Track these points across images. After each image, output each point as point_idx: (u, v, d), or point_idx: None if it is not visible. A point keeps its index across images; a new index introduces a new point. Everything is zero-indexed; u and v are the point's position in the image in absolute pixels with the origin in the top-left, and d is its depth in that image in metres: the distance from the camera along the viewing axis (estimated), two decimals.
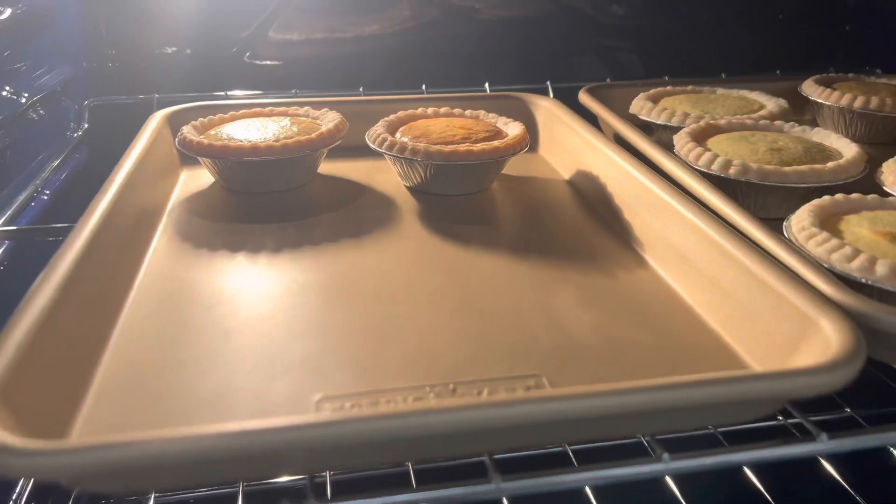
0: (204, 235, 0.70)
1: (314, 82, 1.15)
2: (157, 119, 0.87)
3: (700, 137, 0.80)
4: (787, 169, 0.70)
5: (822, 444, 0.45)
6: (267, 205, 0.77)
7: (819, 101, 0.98)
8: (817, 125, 1.01)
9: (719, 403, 0.43)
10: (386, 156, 0.78)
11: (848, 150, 0.75)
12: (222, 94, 1.09)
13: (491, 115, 0.87)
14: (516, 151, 0.79)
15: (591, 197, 0.79)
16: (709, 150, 0.76)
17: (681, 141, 0.77)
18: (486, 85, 1.15)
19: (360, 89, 1.12)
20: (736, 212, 0.63)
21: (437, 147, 0.76)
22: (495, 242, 0.69)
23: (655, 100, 0.96)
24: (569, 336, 0.55)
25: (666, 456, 0.43)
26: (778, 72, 1.22)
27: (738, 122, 0.84)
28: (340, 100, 0.97)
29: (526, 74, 1.21)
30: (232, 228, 0.72)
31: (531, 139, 0.96)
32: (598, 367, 0.52)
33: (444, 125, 0.82)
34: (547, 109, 0.96)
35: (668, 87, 1.00)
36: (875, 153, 0.79)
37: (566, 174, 0.86)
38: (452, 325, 0.56)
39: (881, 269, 0.52)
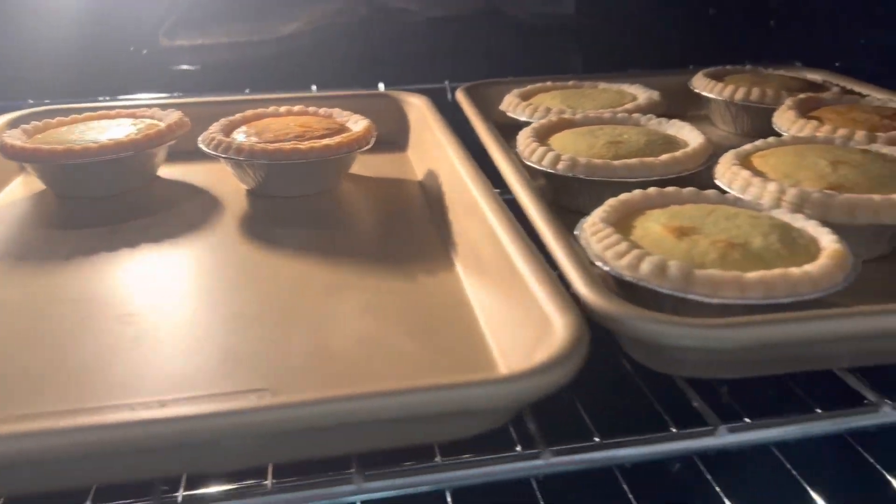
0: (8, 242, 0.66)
1: (215, 84, 1.12)
2: None
3: (547, 133, 0.76)
4: (616, 163, 0.66)
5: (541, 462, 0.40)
6: (91, 210, 0.74)
7: (703, 94, 0.94)
8: (710, 120, 0.97)
9: (415, 417, 0.38)
10: (218, 157, 0.75)
11: (693, 142, 0.71)
12: (104, 98, 1.06)
13: (345, 113, 0.83)
14: (353, 149, 0.75)
15: (432, 199, 0.75)
16: (549, 146, 0.71)
17: (522, 137, 0.73)
18: (381, 85, 1.11)
19: (247, 90, 1.09)
20: (538, 210, 0.58)
21: (262, 146, 0.72)
22: (312, 247, 0.65)
23: (529, 96, 0.92)
24: (326, 346, 0.50)
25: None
26: (691, 66, 1.17)
27: (596, 116, 0.79)
28: (209, 100, 0.94)
29: (427, 74, 1.17)
30: (45, 235, 0.68)
31: (402, 139, 0.93)
32: (343, 378, 0.48)
33: (283, 124, 0.79)
34: (418, 108, 0.92)
35: (548, 83, 0.96)
36: None
37: (421, 175, 0.82)
38: (199, 336, 0.52)
39: (646, 266, 0.47)
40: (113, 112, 0.85)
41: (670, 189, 0.59)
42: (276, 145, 0.72)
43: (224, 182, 0.79)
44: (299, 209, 0.74)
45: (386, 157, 0.88)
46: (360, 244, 0.66)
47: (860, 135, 0.70)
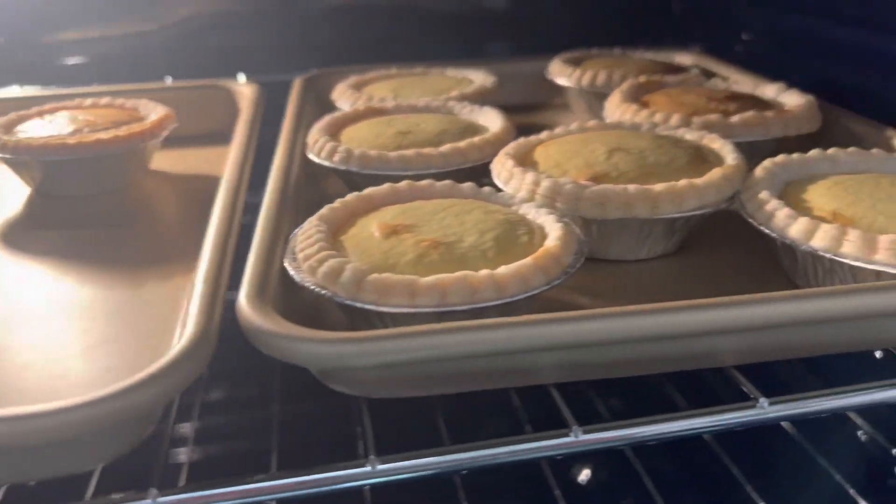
0: None
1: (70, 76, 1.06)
2: None
3: (347, 124, 0.70)
4: (391, 154, 0.60)
5: None
6: None
7: (555, 80, 0.87)
8: (570, 108, 0.91)
9: None
10: None
11: (492, 130, 0.65)
12: None
13: (151, 104, 0.77)
14: (134, 143, 0.69)
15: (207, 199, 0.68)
16: (338, 138, 0.66)
17: (313, 130, 0.67)
18: (241, 76, 1.05)
19: (94, 84, 1.03)
20: (268, 208, 0.53)
21: (27, 141, 0.66)
22: (79, 256, 0.59)
23: (363, 85, 0.85)
24: None
25: None
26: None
27: (410, 105, 0.73)
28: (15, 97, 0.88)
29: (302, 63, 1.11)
30: None
31: (231, 132, 0.87)
32: None
33: (70, 116, 0.73)
34: (248, 99, 0.86)
35: (393, 70, 0.90)
36: None
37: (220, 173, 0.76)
38: None
39: (323, 270, 0.41)
40: None
41: (424, 183, 0.53)
42: (43, 140, 0.66)
43: (13, 182, 0.73)
44: (77, 211, 0.68)
45: (208, 151, 0.82)
46: (124, 252, 0.60)
47: (675, 118, 0.64)
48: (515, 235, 0.45)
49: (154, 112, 0.76)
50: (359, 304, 0.39)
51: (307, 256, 0.43)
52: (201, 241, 0.57)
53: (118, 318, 0.49)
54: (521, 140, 0.60)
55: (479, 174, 0.61)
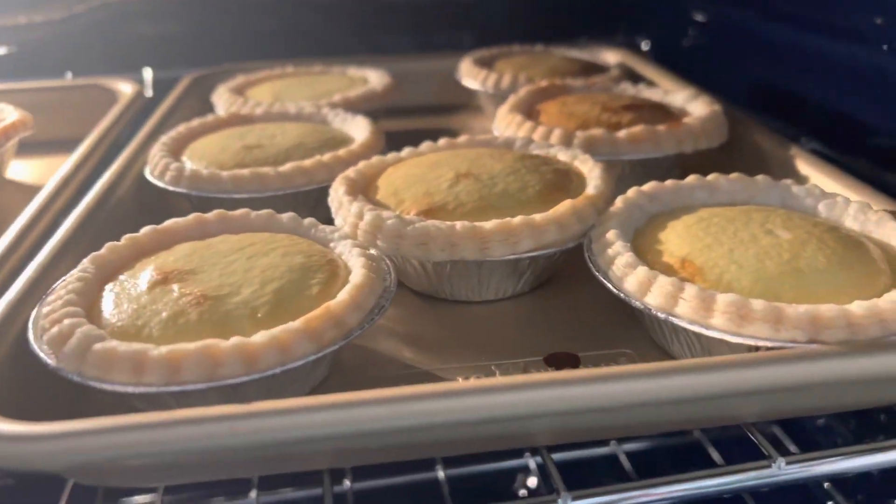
0: None
1: None
2: None
3: (201, 135, 0.63)
4: (224, 174, 0.53)
5: None
6: None
7: (463, 83, 0.80)
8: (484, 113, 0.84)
9: None
10: None
11: (353, 145, 0.58)
12: None
13: (9, 108, 0.70)
14: None
15: None
16: (179, 154, 0.59)
17: (160, 141, 0.60)
18: (146, 72, 0.98)
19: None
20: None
21: None
22: None
23: (248, 87, 0.78)
24: None
25: None
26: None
27: (279, 112, 0.66)
28: None
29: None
30: None
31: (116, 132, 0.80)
32: None
33: None
34: (124, 99, 0.79)
35: (289, 69, 0.83)
36: None
37: None
38: None
39: (50, 333, 0.35)
40: None
41: (238, 213, 0.46)
42: None
43: None
44: None
45: None
46: None
47: (556, 134, 0.57)
48: (305, 286, 0.38)
49: (8, 117, 0.69)
50: (76, 379, 0.33)
51: (50, 312, 0.36)
52: None
53: None
54: (375, 159, 0.53)
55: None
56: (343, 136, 0.61)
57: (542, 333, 0.44)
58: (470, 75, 0.80)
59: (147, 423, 0.29)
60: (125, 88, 0.81)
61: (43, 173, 0.71)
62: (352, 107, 0.69)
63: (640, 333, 0.43)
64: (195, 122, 0.64)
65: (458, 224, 0.42)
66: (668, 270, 0.39)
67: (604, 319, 0.45)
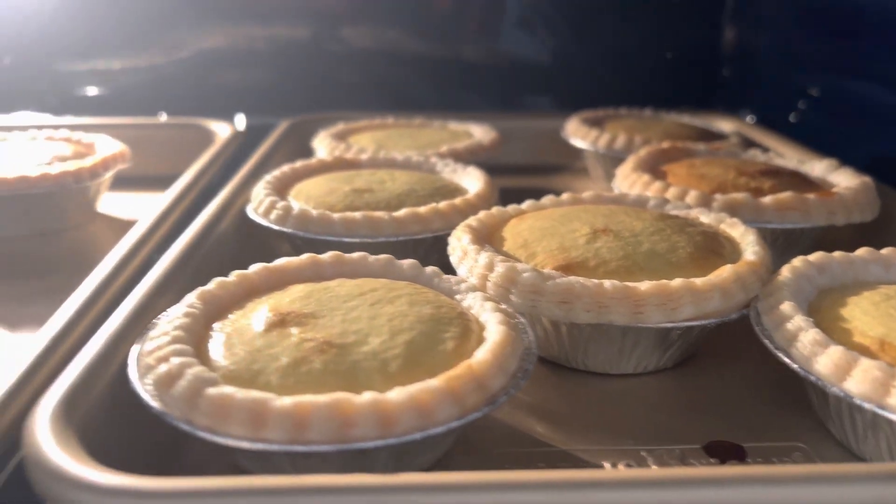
0: None
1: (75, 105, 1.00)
2: None
3: (304, 176, 0.60)
4: (335, 216, 0.49)
5: None
6: None
7: (570, 141, 0.76)
8: (588, 172, 0.80)
9: None
10: None
11: (468, 193, 0.54)
12: None
13: (110, 141, 0.69)
14: (65, 183, 0.60)
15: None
16: (285, 194, 0.56)
17: (261, 182, 0.57)
18: (241, 116, 0.98)
19: (87, 116, 0.97)
20: (157, 273, 0.42)
21: None
22: None
23: (348, 134, 0.76)
24: None
25: None
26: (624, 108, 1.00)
27: (386, 160, 0.63)
28: None
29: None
30: None
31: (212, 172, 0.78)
32: None
33: (10, 151, 0.65)
34: (219, 140, 0.77)
35: (390, 121, 0.80)
36: None
37: None
38: None
39: (157, 373, 0.30)
40: None
41: (355, 256, 0.42)
42: None
43: None
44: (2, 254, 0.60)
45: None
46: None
47: (692, 195, 0.52)
48: (439, 340, 0.33)
49: (106, 150, 0.67)
50: (184, 427, 0.28)
51: (157, 348, 0.32)
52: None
53: None
54: (496, 210, 0.49)
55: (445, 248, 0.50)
56: (454, 186, 0.57)
57: (694, 416, 0.38)
58: (578, 135, 0.76)
59: (287, 487, 0.24)
60: (221, 130, 0.80)
61: (134, 208, 0.69)
62: (458, 159, 0.65)
63: (811, 423, 0.37)
64: (299, 164, 0.61)
65: (608, 283, 0.37)
66: (863, 353, 0.33)
67: (765, 403, 0.39)
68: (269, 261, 0.41)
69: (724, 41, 1.08)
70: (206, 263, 0.46)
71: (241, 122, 0.98)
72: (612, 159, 0.72)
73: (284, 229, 0.50)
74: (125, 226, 0.66)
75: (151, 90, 1.02)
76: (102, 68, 1.03)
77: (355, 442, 0.28)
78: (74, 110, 0.98)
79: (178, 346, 0.32)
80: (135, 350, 0.33)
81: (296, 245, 0.52)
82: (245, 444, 0.27)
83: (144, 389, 0.30)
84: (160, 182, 0.72)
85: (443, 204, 0.51)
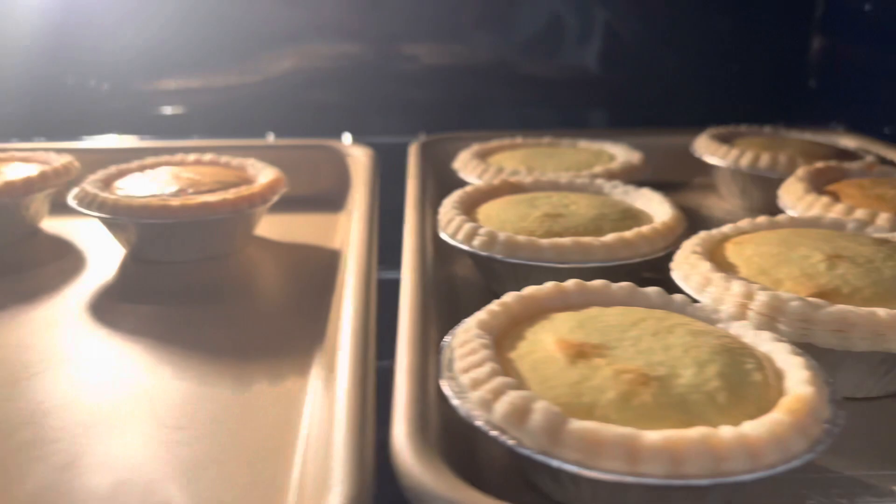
0: None
1: (171, 128, 1.01)
2: None
3: (482, 200, 0.61)
4: (544, 242, 0.50)
5: None
6: None
7: (704, 158, 0.77)
8: (717, 190, 0.81)
9: None
10: (82, 212, 0.62)
11: (661, 217, 0.55)
12: (40, 138, 0.96)
13: (259, 164, 0.70)
14: (241, 208, 0.61)
15: (331, 276, 0.60)
16: (474, 217, 0.57)
17: (447, 204, 0.58)
18: (347, 135, 0.99)
19: (195, 136, 0.98)
20: (412, 299, 0.43)
21: (128, 201, 0.59)
22: (169, 333, 0.51)
23: (488, 154, 0.77)
24: (79, 481, 0.36)
25: None
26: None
27: (550, 181, 0.64)
28: (111, 148, 0.83)
29: (403, 124, 1.04)
30: None
31: (342, 198, 0.79)
32: None
33: (173, 174, 0.66)
34: (360, 163, 0.79)
35: (518, 140, 0.81)
36: None
37: (338, 244, 0.68)
38: None
39: (501, 407, 0.31)
40: (6, 155, 0.74)
41: (597, 283, 0.43)
42: (144, 201, 0.59)
43: (107, 241, 0.66)
44: (176, 278, 0.61)
45: (315, 217, 0.75)
46: (229, 334, 0.52)
47: (884, 218, 0.53)
48: (744, 371, 0.34)
49: (262, 174, 0.69)
50: (554, 464, 0.29)
51: (476, 382, 0.33)
52: (317, 326, 0.49)
53: (222, 426, 0.40)
54: (703, 234, 0.50)
55: (639, 271, 0.51)
56: (636, 209, 0.58)
57: None
58: (711, 152, 0.77)
59: None
60: (354, 152, 0.81)
61: (283, 229, 0.70)
62: (613, 179, 0.66)
63: None
64: (470, 188, 0.62)
65: (882, 311, 0.38)
66: None
67: None
68: (461, 284, 0.42)
69: (812, 51, 1.09)
70: (438, 292, 0.47)
71: (347, 140, 1.00)
72: (751, 178, 0.73)
73: (493, 255, 0.51)
74: (284, 249, 0.67)
75: (252, 110, 1.03)
76: (194, 87, 1.05)
77: (727, 476, 0.28)
78: (166, 132, 1.00)
79: (504, 379, 0.33)
80: (447, 384, 0.34)
81: (489, 269, 0.53)
82: (629, 479, 0.28)
83: (489, 426, 0.31)
84: (299, 204, 0.73)
85: (645, 228, 0.51)
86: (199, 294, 0.58)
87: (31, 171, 0.68)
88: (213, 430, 0.40)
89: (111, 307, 0.55)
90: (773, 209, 0.62)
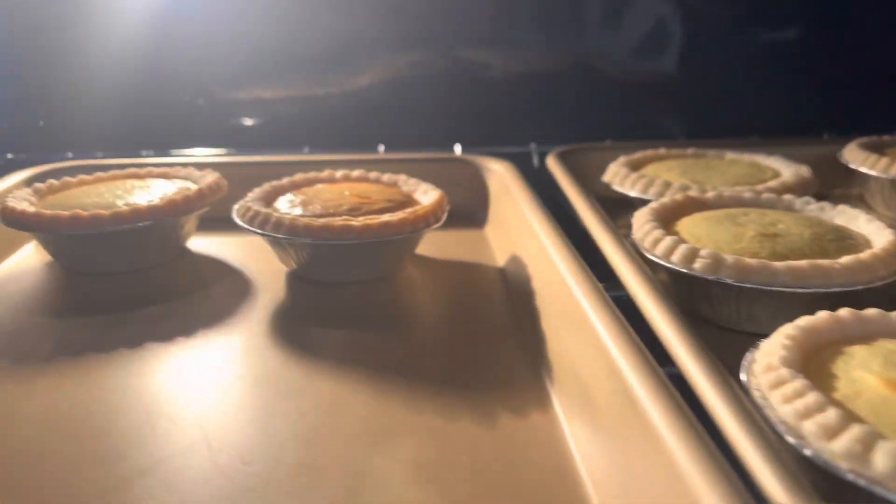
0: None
1: (276, 140, 0.99)
2: (11, 181, 0.72)
3: (672, 216, 0.58)
4: (778, 265, 0.48)
5: None
6: (100, 290, 0.60)
7: (862, 169, 0.75)
8: (865, 202, 0.78)
9: None
10: (252, 232, 0.60)
11: (880, 238, 0.52)
12: (149, 152, 0.95)
13: (412, 180, 0.68)
14: (419, 228, 0.59)
15: (517, 295, 0.58)
16: (676, 233, 0.54)
17: (640, 220, 0.56)
18: (457, 147, 0.97)
19: (306, 149, 0.96)
20: (677, 328, 0.41)
21: (307, 221, 0.57)
22: (357, 356, 0.49)
23: (638, 166, 0.75)
24: None
25: None
26: (825, 135, 0.98)
27: (733, 197, 0.61)
28: (252, 160, 0.81)
29: (509, 135, 1.02)
30: (32, 322, 0.55)
31: (481, 212, 0.77)
32: None
33: (335, 193, 0.64)
34: (500, 176, 0.76)
35: (661, 151, 0.79)
36: None
37: (502, 260, 0.66)
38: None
39: (882, 459, 0.29)
40: (143, 171, 0.72)
41: (871, 312, 0.41)
42: (323, 221, 0.57)
43: (264, 260, 0.64)
44: (349, 300, 0.59)
45: (460, 234, 0.73)
46: (421, 356, 0.50)
47: None
48: None
49: (418, 190, 0.66)
50: (878, 493, 0.27)
51: (827, 430, 0.31)
52: (529, 348, 0.46)
53: (487, 468, 0.38)
54: None
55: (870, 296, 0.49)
56: (847, 229, 0.55)
57: None
58: (863, 163, 0.74)
59: None
60: (493, 166, 0.78)
61: (434, 247, 0.68)
62: (790, 193, 0.64)
63: None
64: (655, 204, 0.59)
65: None
66: None
67: None
68: None
69: None
70: None
71: (457, 150, 0.98)
72: None
73: (721, 279, 0.48)
74: (443, 267, 0.65)
75: (354, 122, 1.01)
76: (274, 98, 1.03)
77: None
78: (245, 144, 0.98)
79: (819, 398, 0.31)
80: (787, 431, 0.32)
81: (706, 293, 0.51)
82: None
83: (860, 476, 0.29)
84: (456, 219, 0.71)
85: (877, 249, 0.49)
86: (376, 316, 0.56)
87: (185, 188, 0.66)
88: (473, 475, 0.38)
89: (298, 330, 0.53)
90: None
